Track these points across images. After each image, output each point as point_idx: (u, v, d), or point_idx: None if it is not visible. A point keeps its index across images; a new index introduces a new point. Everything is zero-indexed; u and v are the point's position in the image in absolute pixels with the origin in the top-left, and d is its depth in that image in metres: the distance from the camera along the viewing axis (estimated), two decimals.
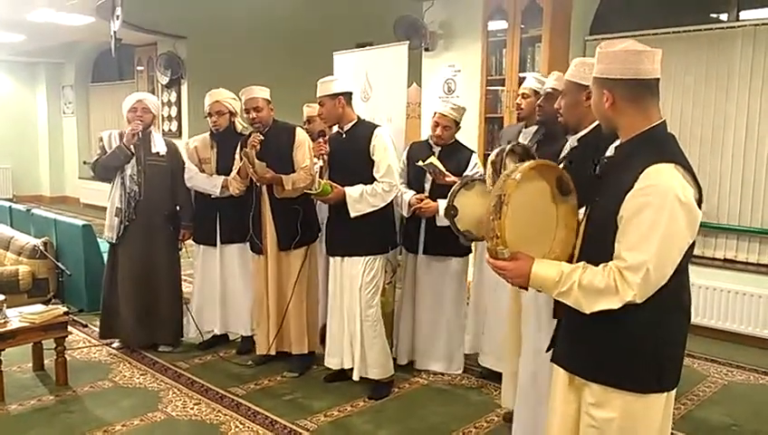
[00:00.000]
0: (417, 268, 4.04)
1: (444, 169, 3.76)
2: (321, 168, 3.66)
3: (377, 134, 3.64)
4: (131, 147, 4.19)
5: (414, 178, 4.01)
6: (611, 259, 1.75)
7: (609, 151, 2.06)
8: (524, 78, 4.26)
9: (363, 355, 3.67)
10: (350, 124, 3.72)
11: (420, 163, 3.82)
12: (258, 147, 3.89)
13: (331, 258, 3.82)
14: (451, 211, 3.45)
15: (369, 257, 3.65)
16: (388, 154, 3.64)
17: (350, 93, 3.74)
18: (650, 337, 1.79)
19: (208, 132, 4.36)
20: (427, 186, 3.90)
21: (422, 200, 3.84)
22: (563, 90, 2.53)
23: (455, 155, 3.94)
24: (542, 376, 2.67)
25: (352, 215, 3.58)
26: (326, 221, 3.88)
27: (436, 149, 3.97)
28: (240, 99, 4.11)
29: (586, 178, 2.04)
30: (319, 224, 4.09)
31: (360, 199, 3.59)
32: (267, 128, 3.98)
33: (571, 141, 2.53)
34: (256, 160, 3.84)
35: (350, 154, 3.66)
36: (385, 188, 3.61)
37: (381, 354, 3.72)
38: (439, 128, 3.91)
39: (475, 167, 3.90)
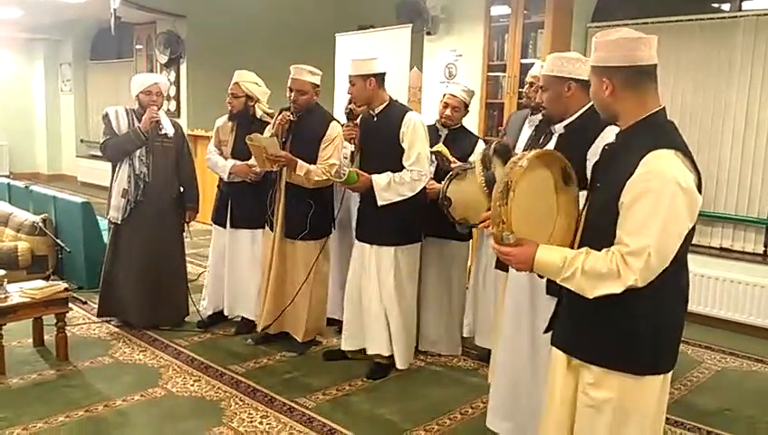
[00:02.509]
0: (420, 251, 4.06)
1: (450, 157, 3.76)
2: (352, 153, 3.60)
3: (407, 120, 3.52)
4: (146, 133, 4.18)
5: None
6: (612, 245, 1.77)
7: (609, 138, 2.09)
8: (532, 64, 4.26)
9: (401, 341, 3.67)
10: (382, 106, 3.61)
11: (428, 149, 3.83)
12: (286, 126, 3.86)
13: (357, 243, 3.77)
14: (445, 202, 3.48)
15: (401, 247, 3.60)
16: (418, 141, 3.52)
17: (383, 74, 3.60)
18: (649, 320, 1.82)
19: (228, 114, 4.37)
20: (432, 168, 3.89)
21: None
22: (543, 85, 2.57)
23: (461, 140, 3.95)
24: (528, 356, 2.72)
25: (380, 204, 3.51)
26: (358, 207, 3.81)
27: (443, 132, 3.97)
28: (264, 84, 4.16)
29: (575, 164, 2.08)
30: (333, 219, 4.07)
31: (388, 188, 3.50)
32: (301, 112, 3.88)
33: (558, 129, 2.56)
34: (264, 138, 3.79)
35: (380, 138, 3.58)
36: (414, 176, 3.50)
37: (410, 338, 3.75)
38: (449, 109, 3.92)
39: None
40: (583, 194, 2.09)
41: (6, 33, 11.42)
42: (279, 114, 3.93)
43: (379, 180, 3.51)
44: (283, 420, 3.23)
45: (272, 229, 4.02)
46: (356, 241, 3.79)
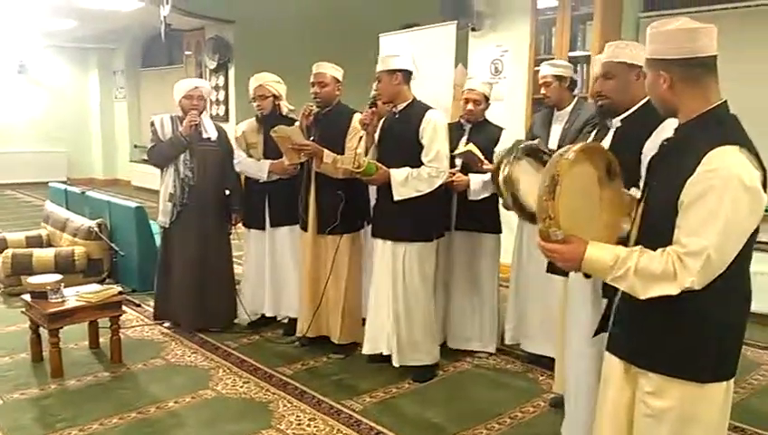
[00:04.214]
0: (449, 245, 4.01)
1: (481, 156, 3.72)
2: (361, 138, 3.62)
3: (428, 117, 3.55)
4: (187, 137, 4.23)
5: None
6: (669, 244, 1.69)
7: (667, 132, 2.00)
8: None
9: (409, 341, 3.65)
10: (405, 104, 3.64)
11: (456, 152, 3.80)
12: (310, 118, 3.92)
13: (373, 240, 3.78)
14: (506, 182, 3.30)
15: (415, 244, 3.59)
16: (437, 138, 3.53)
17: (410, 72, 3.64)
18: (710, 325, 1.73)
19: (255, 117, 4.39)
20: (458, 162, 3.87)
21: (453, 174, 3.79)
22: (608, 72, 2.44)
23: (485, 132, 3.94)
24: (592, 361, 2.63)
25: (396, 198, 3.52)
26: (374, 203, 3.85)
27: (467, 127, 3.97)
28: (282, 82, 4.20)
29: (631, 159, 2.00)
30: (369, 214, 4.03)
31: (406, 183, 3.51)
32: (329, 107, 3.96)
33: (614, 122, 2.46)
34: (288, 128, 3.86)
35: (400, 135, 3.61)
36: (432, 173, 3.51)
37: (430, 340, 3.71)
38: (470, 103, 3.91)
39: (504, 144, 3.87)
40: (635, 190, 2.01)
41: (62, 42, 11.85)
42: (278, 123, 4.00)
43: (397, 175, 3.52)
44: (331, 422, 3.22)
45: (304, 229, 4.05)
46: (371, 238, 3.81)
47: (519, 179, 2.71)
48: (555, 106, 3.78)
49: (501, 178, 2.53)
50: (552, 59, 5.41)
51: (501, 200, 3.03)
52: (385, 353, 3.75)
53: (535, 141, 2.66)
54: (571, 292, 2.75)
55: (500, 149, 3.77)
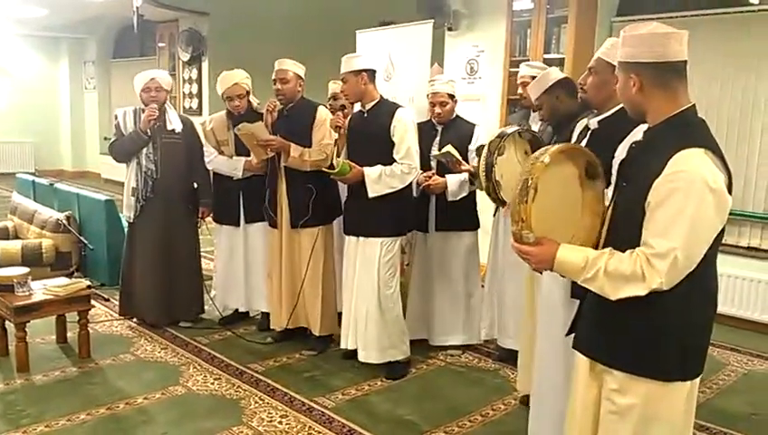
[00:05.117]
0: (429, 245, 4.05)
1: (460, 158, 3.75)
2: (336, 141, 3.64)
3: (398, 115, 3.61)
4: (147, 131, 4.16)
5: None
6: (638, 246, 1.73)
7: (637, 136, 2.04)
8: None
9: (380, 337, 3.67)
10: (373, 103, 3.68)
11: (435, 153, 3.82)
12: (275, 114, 3.92)
13: (346, 237, 3.81)
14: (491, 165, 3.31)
15: (386, 239, 3.63)
16: (408, 135, 3.60)
17: (374, 71, 3.70)
18: (675, 324, 1.77)
19: (225, 111, 4.33)
20: (434, 163, 3.89)
21: (430, 178, 3.82)
22: (595, 67, 2.48)
23: (458, 130, 3.97)
24: (562, 360, 2.67)
25: (370, 195, 3.57)
26: (345, 200, 3.88)
27: (440, 127, 3.99)
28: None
29: (604, 161, 2.03)
30: (340, 206, 4.04)
31: (379, 180, 3.57)
32: (292, 103, 3.97)
33: (592, 123, 2.49)
34: (251, 125, 3.85)
35: (371, 134, 3.64)
36: (404, 169, 3.58)
37: (399, 336, 3.73)
38: (437, 106, 3.93)
39: (478, 140, 3.91)
40: (608, 191, 2.04)
41: (31, 31, 11.56)
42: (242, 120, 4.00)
43: (371, 172, 3.58)
44: (303, 419, 3.22)
45: (272, 225, 4.06)
46: (344, 235, 3.84)
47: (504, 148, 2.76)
48: (531, 107, 3.81)
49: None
50: (527, 60, 5.48)
51: (476, 183, 3.05)
52: (351, 348, 3.77)
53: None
54: (542, 290, 2.79)
55: (474, 145, 3.82)
